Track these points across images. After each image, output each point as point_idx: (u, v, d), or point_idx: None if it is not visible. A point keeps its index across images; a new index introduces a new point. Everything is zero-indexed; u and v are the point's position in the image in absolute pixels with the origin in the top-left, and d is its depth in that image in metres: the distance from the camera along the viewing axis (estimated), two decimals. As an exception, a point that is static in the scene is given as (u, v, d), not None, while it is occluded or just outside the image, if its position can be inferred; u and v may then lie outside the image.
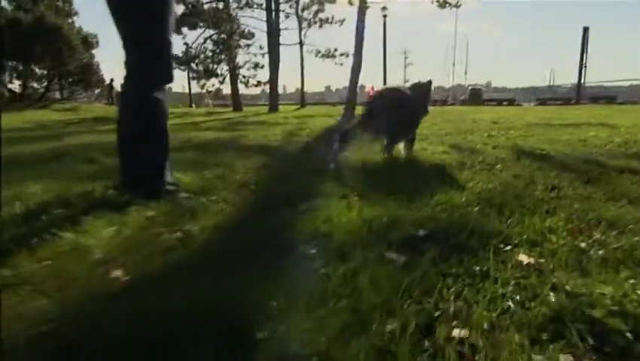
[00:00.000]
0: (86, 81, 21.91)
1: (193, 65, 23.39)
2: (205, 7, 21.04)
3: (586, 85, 27.92)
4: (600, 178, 2.21)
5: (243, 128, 6.78)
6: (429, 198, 1.75)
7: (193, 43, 22.54)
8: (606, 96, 25.22)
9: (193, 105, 32.37)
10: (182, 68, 23.33)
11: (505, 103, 25.96)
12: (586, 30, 26.52)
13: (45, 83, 20.92)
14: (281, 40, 19.79)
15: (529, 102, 28.38)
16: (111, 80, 29.74)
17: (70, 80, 21.64)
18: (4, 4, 24.44)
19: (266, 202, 1.80)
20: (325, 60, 22.93)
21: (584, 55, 26.44)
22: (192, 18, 20.83)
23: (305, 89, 26.77)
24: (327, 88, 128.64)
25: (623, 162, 2.74)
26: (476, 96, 26.86)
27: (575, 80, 26.76)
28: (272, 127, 6.92)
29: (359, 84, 11.50)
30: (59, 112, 18.37)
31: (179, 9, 21.09)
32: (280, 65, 19.11)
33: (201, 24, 21.20)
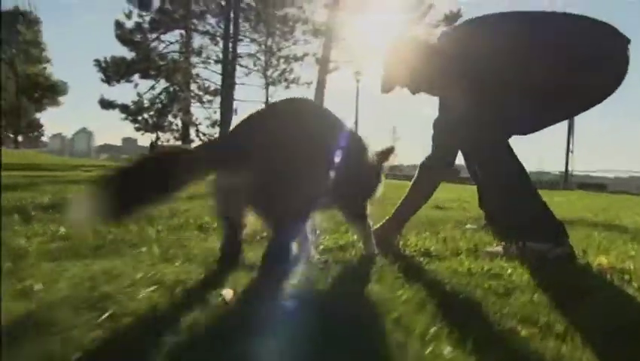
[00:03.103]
0: (13, 124, 19.43)
1: (145, 116, 21.23)
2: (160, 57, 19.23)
3: (574, 173, 25.94)
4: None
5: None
6: None
7: (145, 93, 20.54)
8: (596, 184, 23.03)
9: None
10: (130, 119, 21.14)
11: (486, 184, 23.90)
12: (571, 115, 25.10)
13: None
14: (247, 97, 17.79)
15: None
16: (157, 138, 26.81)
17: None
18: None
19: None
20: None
21: (570, 140, 24.71)
22: (141, 65, 18.90)
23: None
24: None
25: None
26: (452, 172, 24.44)
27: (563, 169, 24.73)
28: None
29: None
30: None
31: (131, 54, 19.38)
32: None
33: (152, 72, 19.28)
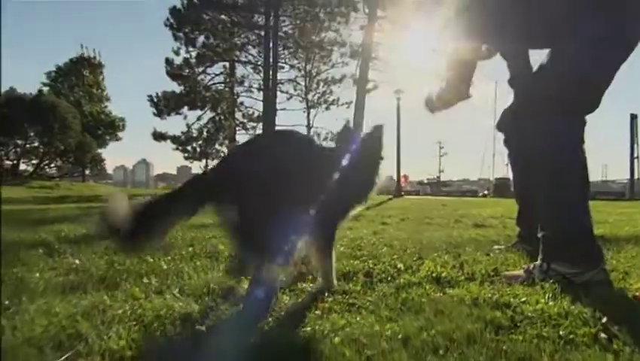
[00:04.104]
0: (80, 159, 21.22)
1: (194, 146, 22.32)
2: (206, 88, 20.33)
3: (641, 179, 23.66)
4: None
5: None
6: None
7: (193, 123, 21.65)
8: (672, 192, 20.78)
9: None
10: (180, 148, 22.32)
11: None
12: (634, 118, 23.18)
13: (36, 160, 20.38)
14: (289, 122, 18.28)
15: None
16: (206, 166, 28.84)
17: (64, 158, 21.04)
18: (45, 90, 25.89)
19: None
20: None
21: (634, 146, 22.71)
22: (189, 97, 20.02)
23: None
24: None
25: None
26: (504, 187, 23.04)
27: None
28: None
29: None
30: (30, 189, 17.16)
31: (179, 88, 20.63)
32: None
33: (199, 104, 20.37)
